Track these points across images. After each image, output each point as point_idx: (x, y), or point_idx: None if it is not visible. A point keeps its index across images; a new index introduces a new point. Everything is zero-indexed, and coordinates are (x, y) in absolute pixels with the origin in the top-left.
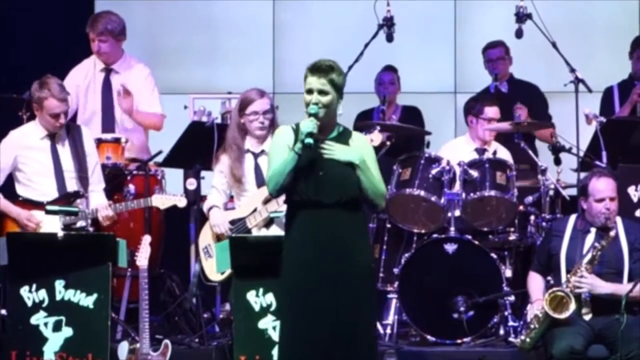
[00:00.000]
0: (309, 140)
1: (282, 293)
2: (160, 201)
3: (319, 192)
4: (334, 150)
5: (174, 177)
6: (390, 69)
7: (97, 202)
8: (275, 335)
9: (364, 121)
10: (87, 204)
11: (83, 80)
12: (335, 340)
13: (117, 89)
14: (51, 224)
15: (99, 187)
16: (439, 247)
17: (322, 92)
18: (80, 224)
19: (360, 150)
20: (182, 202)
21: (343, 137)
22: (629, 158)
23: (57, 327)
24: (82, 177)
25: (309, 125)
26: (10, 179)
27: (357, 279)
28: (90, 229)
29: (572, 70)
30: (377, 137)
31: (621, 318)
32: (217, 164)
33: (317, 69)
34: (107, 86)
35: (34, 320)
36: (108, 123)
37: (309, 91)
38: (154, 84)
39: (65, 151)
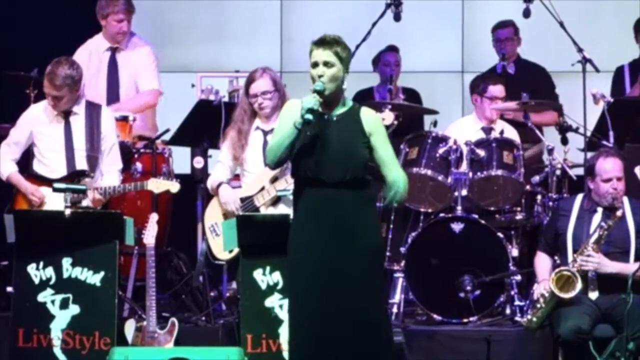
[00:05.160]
0: (309, 116)
1: (289, 272)
2: (155, 185)
3: (321, 171)
4: None
5: (181, 156)
6: (394, 50)
7: (109, 182)
8: (281, 314)
9: (371, 101)
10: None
11: (87, 61)
12: (342, 319)
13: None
14: (56, 201)
15: (113, 167)
16: (445, 227)
17: (327, 64)
18: (86, 202)
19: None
20: (175, 188)
21: (351, 113)
22: (636, 138)
23: (64, 305)
24: (92, 156)
25: (310, 101)
26: (27, 155)
27: (361, 258)
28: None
29: (580, 50)
30: (388, 116)
31: (627, 298)
32: (225, 140)
33: (322, 41)
34: (113, 65)
35: (41, 297)
36: (112, 102)
37: (315, 64)
38: (152, 60)
39: (79, 129)
